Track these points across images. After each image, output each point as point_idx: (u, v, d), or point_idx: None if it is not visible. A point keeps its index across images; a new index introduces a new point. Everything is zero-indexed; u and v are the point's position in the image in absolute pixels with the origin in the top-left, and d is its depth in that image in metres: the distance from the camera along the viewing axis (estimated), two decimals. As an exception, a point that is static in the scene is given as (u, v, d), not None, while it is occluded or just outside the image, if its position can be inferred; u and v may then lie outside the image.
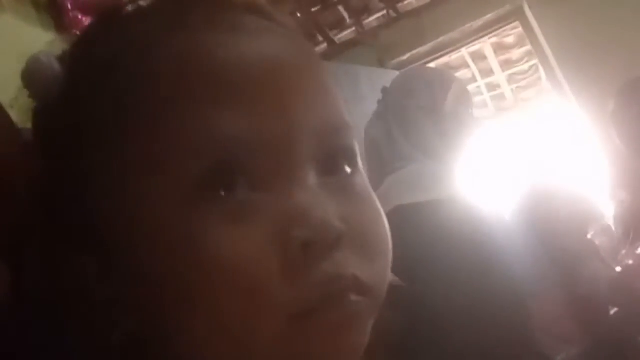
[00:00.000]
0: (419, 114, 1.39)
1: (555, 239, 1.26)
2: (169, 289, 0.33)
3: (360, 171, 0.38)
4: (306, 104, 0.34)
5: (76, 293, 0.34)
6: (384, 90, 1.50)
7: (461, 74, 3.97)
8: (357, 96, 2.73)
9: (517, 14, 3.16)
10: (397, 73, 3.03)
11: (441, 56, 3.41)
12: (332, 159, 0.36)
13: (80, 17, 1.26)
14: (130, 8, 0.38)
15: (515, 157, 4.39)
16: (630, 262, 1.32)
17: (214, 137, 0.32)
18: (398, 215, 1.27)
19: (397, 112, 1.41)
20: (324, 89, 0.37)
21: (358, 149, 0.38)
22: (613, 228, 1.48)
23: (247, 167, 0.32)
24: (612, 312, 1.31)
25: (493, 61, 3.95)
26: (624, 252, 1.37)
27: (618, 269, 1.34)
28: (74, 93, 0.36)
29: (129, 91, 0.34)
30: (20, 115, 0.39)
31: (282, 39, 0.37)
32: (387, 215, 1.32)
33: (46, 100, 0.37)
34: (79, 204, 0.35)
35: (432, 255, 1.16)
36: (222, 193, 0.32)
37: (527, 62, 4.01)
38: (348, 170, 0.37)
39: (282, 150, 0.33)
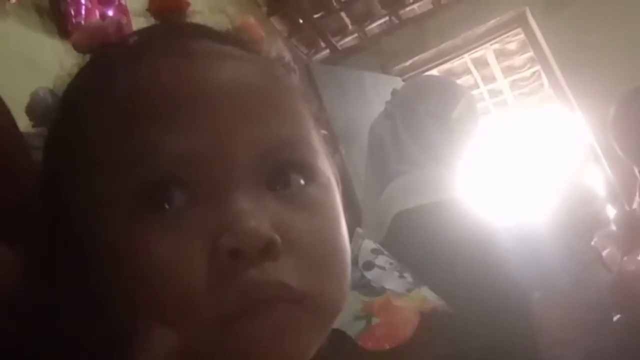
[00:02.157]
0: (426, 118, 1.40)
1: (562, 243, 1.26)
2: (110, 287, 0.35)
3: (319, 184, 0.39)
4: (247, 123, 0.36)
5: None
6: (394, 92, 1.51)
7: (463, 80, 3.98)
8: (363, 100, 2.74)
9: (519, 21, 3.17)
10: (400, 79, 3.07)
11: (443, 62, 3.42)
12: (282, 173, 0.37)
13: (82, 23, 1.26)
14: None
15: (516, 163, 4.39)
16: (632, 268, 1.32)
17: (155, 154, 0.35)
18: (403, 220, 1.28)
19: (405, 114, 1.43)
20: (274, 109, 0.39)
21: (322, 163, 0.40)
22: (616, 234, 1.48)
23: (185, 182, 0.35)
24: (615, 318, 1.31)
25: (495, 67, 3.96)
26: (625, 258, 1.37)
27: (620, 275, 1.33)
28: (62, 118, 0.41)
29: (93, 113, 0.38)
30: None
31: (234, 62, 0.40)
32: (392, 220, 1.31)
33: (44, 127, 0.42)
34: (56, 209, 0.38)
35: (436, 256, 1.17)
36: (165, 206, 0.34)
37: (529, 68, 4.02)
38: (302, 182, 0.38)
39: (218, 165, 0.35)
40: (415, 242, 1.22)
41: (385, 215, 1.32)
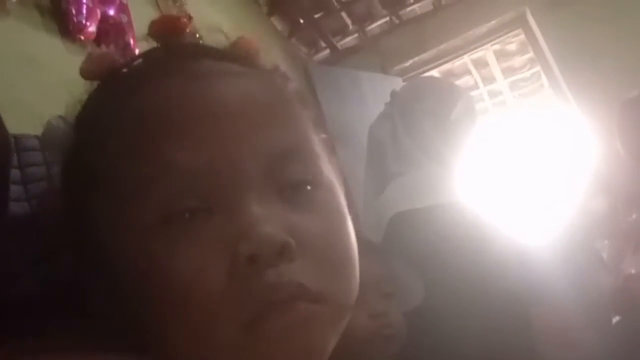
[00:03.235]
0: (425, 118, 1.41)
1: (562, 247, 1.26)
2: (140, 300, 0.38)
3: (324, 188, 0.42)
4: (252, 136, 0.39)
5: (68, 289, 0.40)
6: (393, 94, 1.52)
7: (463, 80, 3.97)
8: (360, 102, 2.74)
9: (519, 21, 3.17)
10: (399, 79, 3.07)
11: (443, 63, 3.42)
12: (289, 180, 0.40)
13: (84, 22, 1.26)
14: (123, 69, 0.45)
15: (517, 163, 4.39)
16: (633, 271, 1.32)
17: (169, 171, 0.37)
18: (398, 222, 1.28)
19: (405, 115, 1.43)
20: (276, 120, 0.41)
21: (325, 167, 0.43)
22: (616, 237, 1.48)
23: (200, 195, 0.37)
24: (614, 320, 1.31)
25: (495, 68, 3.95)
26: (626, 261, 1.37)
27: (622, 278, 1.33)
28: (76, 146, 0.42)
29: (108, 139, 0.40)
30: None
31: (235, 79, 0.42)
32: (389, 222, 1.31)
33: (60, 154, 0.43)
34: (83, 230, 0.40)
35: (432, 261, 1.16)
36: (183, 219, 0.37)
37: (529, 69, 4.02)
38: (309, 188, 0.41)
39: (229, 177, 0.38)
40: (411, 245, 1.22)
41: (383, 216, 1.32)
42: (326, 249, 0.39)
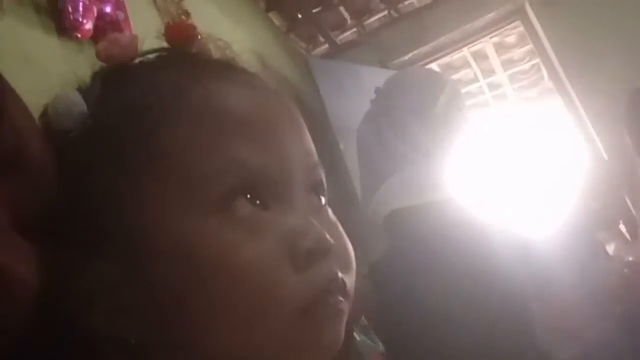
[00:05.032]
0: (408, 115, 1.38)
1: (563, 238, 1.25)
2: (193, 294, 0.39)
3: (326, 203, 0.47)
4: (296, 144, 0.45)
5: (96, 296, 0.39)
6: (377, 90, 1.50)
7: (463, 73, 3.96)
8: (361, 94, 2.73)
9: (518, 13, 3.16)
10: (398, 73, 3.05)
11: (442, 56, 3.41)
12: (313, 189, 0.46)
13: (80, 19, 1.25)
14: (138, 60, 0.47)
15: (516, 156, 4.38)
16: (630, 258, 1.32)
17: (236, 166, 0.41)
18: (395, 219, 1.27)
19: (388, 114, 1.41)
20: (305, 132, 0.47)
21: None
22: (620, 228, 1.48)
23: (259, 191, 0.42)
24: (616, 310, 1.31)
25: (494, 61, 3.94)
26: (626, 249, 1.37)
27: (622, 266, 1.33)
28: (104, 128, 0.42)
29: (162, 126, 0.41)
30: None
31: (268, 93, 0.47)
32: (385, 219, 1.31)
33: (72, 133, 0.42)
34: (106, 219, 0.40)
35: (429, 257, 1.16)
36: (242, 210, 0.40)
37: (528, 61, 4.01)
38: (323, 202, 0.47)
39: (284, 180, 0.43)
40: (408, 242, 1.21)
41: (378, 214, 1.31)
42: (347, 255, 0.45)
